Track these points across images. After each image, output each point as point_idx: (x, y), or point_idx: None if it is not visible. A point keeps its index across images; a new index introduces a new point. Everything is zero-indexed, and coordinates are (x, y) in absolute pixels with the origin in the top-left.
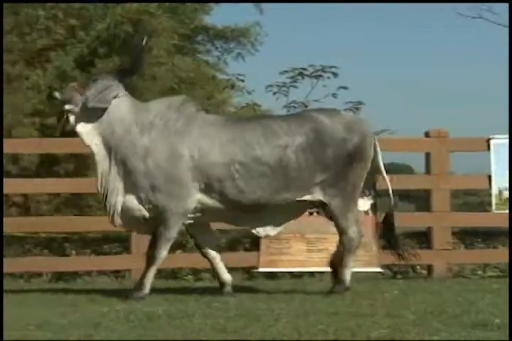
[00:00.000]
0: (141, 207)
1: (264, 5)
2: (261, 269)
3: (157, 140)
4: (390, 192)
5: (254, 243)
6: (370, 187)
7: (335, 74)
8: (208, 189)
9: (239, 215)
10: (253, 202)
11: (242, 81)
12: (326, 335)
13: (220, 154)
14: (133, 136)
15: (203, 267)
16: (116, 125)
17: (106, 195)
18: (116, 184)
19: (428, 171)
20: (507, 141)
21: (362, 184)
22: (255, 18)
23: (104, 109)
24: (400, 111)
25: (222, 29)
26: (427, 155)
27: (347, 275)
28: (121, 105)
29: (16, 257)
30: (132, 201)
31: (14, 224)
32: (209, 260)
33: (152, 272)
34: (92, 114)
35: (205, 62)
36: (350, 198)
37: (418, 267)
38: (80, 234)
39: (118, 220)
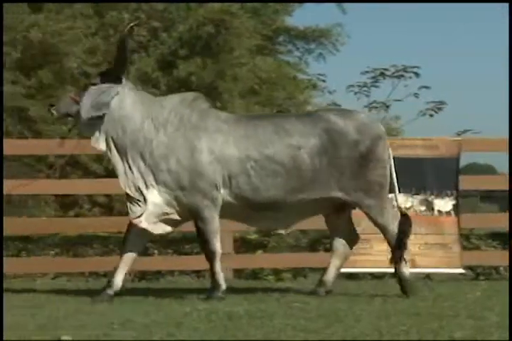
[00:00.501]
0: (164, 203)
1: (346, 5)
2: (342, 269)
3: (174, 136)
4: (396, 194)
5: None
6: (452, 188)
7: (417, 74)
8: (224, 185)
9: (251, 214)
10: (267, 200)
11: (324, 81)
12: (408, 336)
13: (236, 149)
14: (147, 132)
15: (283, 267)
16: (126, 122)
17: (141, 192)
18: (140, 181)
19: (511, 171)
20: None
21: (388, 182)
22: (338, 19)
23: (110, 110)
24: (483, 111)
25: (303, 30)
26: (511, 155)
27: (403, 268)
28: (124, 101)
29: (99, 256)
30: (156, 198)
31: (97, 224)
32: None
33: (218, 267)
34: (94, 118)
35: (287, 62)
36: (381, 198)
37: (501, 268)
38: (162, 234)
39: (145, 219)
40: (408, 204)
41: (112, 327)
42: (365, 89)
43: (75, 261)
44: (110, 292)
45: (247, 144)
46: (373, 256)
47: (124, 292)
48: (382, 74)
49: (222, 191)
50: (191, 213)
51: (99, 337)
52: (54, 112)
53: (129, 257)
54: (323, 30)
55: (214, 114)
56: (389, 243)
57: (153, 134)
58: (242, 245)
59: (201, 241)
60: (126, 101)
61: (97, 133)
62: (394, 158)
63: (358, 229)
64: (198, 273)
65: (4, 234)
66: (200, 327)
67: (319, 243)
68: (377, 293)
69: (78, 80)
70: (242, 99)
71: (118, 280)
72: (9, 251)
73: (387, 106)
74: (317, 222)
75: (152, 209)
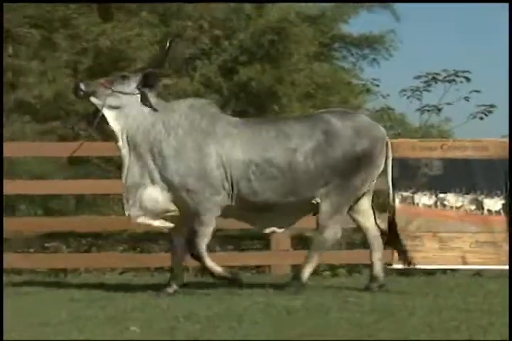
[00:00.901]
0: (168, 201)
1: (398, 7)
2: (395, 266)
3: (184, 140)
4: (391, 196)
5: (388, 241)
6: (502, 187)
7: (467, 79)
8: (227, 189)
9: (252, 214)
10: (262, 202)
11: (377, 85)
12: (459, 332)
13: (242, 154)
14: (158, 133)
15: (339, 263)
16: (141, 121)
17: (130, 189)
18: (143, 178)
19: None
20: None
21: (363, 188)
22: (391, 25)
23: (131, 105)
24: None
25: (357, 37)
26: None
27: (306, 272)
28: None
29: (164, 252)
30: (158, 195)
31: None
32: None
33: (211, 262)
34: (117, 109)
35: (342, 68)
36: (346, 199)
37: None
38: (222, 231)
39: (136, 213)
40: (459, 204)
41: (177, 320)
42: (417, 93)
43: (141, 256)
44: (170, 290)
45: (251, 148)
46: (426, 252)
47: (187, 286)
48: (434, 78)
49: (224, 195)
50: (192, 214)
51: (166, 330)
52: (82, 86)
53: (179, 256)
54: (376, 37)
55: (224, 118)
56: (313, 242)
57: (163, 136)
58: (300, 242)
59: (189, 241)
60: (145, 104)
61: (115, 123)
62: (445, 159)
63: (411, 228)
64: (257, 268)
65: (77, 230)
66: (259, 320)
67: None
68: (429, 288)
69: None
70: (299, 103)
71: (177, 279)
72: (81, 246)
73: (439, 110)
74: None
75: (151, 206)
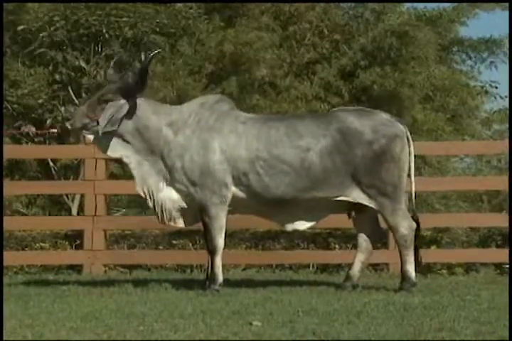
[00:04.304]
0: (181, 199)
1: None
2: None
3: (191, 137)
4: (413, 196)
5: (506, 240)
6: None
7: None
8: (237, 182)
9: (270, 209)
10: (278, 197)
11: (496, 87)
12: None
13: (246, 150)
14: (166, 137)
15: (456, 262)
16: (144, 130)
17: (151, 196)
18: (159, 183)
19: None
20: None
21: (404, 184)
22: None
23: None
24: None
25: (476, 40)
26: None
27: (411, 271)
28: (139, 112)
29: (285, 250)
30: (173, 194)
31: None
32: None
33: (218, 262)
34: (112, 134)
35: (460, 70)
36: (393, 198)
37: None
38: (341, 229)
39: (163, 218)
40: None
41: (297, 315)
42: None
43: (263, 254)
44: (216, 287)
45: (258, 144)
46: None
47: (307, 283)
48: None
49: (233, 188)
50: (200, 209)
51: (285, 323)
52: (69, 126)
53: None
54: (496, 41)
55: (233, 115)
56: (397, 243)
57: (171, 137)
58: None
59: (206, 236)
60: (140, 113)
61: (112, 143)
62: None
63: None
64: (375, 266)
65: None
66: (378, 316)
67: (491, 239)
68: None
69: (265, 91)
70: (418, 105)
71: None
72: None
73: None
74: (489, 220)
75: (170, 206)
